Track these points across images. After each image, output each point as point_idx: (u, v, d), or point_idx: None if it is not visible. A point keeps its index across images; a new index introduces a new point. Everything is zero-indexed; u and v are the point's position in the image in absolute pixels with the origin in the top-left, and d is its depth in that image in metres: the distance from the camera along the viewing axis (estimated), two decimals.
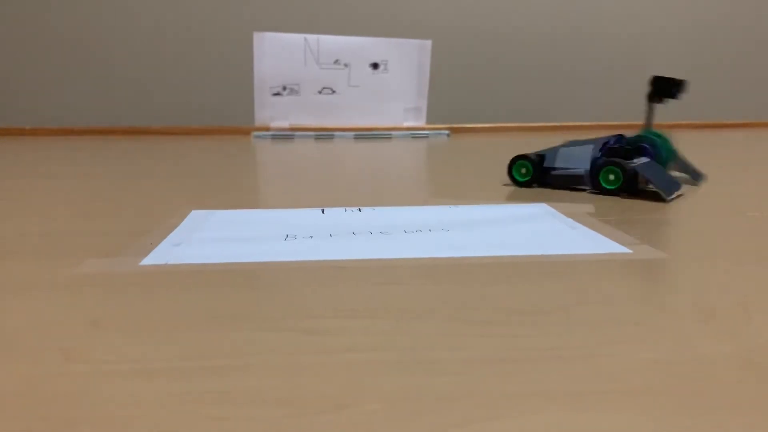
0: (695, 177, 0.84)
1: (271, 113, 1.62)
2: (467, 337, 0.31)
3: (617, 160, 0.72)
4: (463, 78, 1.79)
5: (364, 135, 1.64)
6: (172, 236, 0.52)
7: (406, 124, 1.68)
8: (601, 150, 0.76)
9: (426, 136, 1.66)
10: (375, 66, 1.64)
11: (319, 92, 1.63)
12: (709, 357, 0.28)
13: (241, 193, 0.75)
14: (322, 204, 0.66)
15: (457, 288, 0.38)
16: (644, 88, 1.92)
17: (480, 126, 1.79)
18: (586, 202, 0.67)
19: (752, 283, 0.39)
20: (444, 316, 0.33)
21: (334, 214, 0.61)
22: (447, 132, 1.71)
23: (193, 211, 0.63)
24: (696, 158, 1.09)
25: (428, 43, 1.62)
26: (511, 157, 0.79)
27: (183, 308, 0.35)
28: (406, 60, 1.64)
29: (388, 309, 0.35)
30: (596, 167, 0.73)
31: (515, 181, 0.79)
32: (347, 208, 0.63)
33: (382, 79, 1.65)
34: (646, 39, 1.85)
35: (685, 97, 1.99)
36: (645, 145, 0.78)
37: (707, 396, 0.25)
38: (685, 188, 0.77)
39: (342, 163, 1.04)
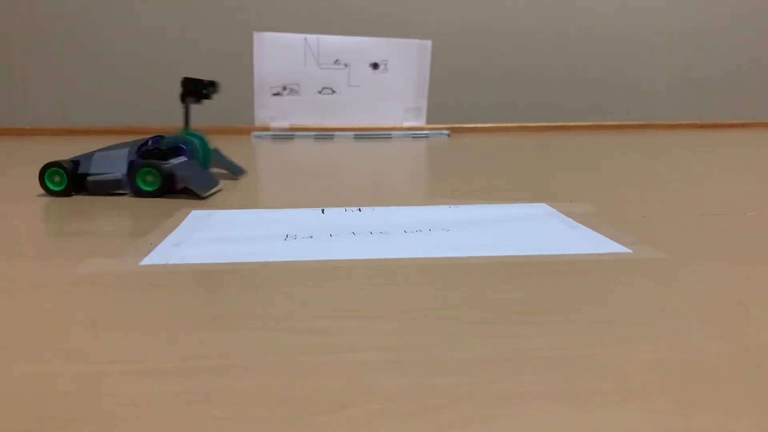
0: (235, 172, 0.90)
1: (271, 113, 1.62)
2: (467, 337, 0.31)
3: (154, 161, 0.72)
4: (463, 78, 1.79)
5: (364, 135, 1.64)
6: (172, 236, 0.52)
7: (406, 124, 1.68)
8: (138, 152, 0.75)
9: (426, 136, 1.66)
10: (375, 66, 1.64)
11: (319, 92, 1.63)
12: (709, 357, 0.28)
13: (241, 193, 0.75)
14: (322, 204, 0.66)
15: (457, 288, 0.38)
16: (645, 89, 1.91)
17: (480, 126, 1.79)
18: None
19: (752, 283, 0.39)
20: (444, 316, 0.33)
21: (334, 214, 0.61)
22: (447, 132, 1.71)
23: (193, 211, 0.63)
24: (696, 158, 1.09)
25: (428, 43, 1.62)
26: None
27: (183, 308, 0.35)
28: (406, 60, 1.64)
29: (388, 309, 0.35)
30: (133, 170, 0.72)
31: (49, 191, 0.72)
32: (347, 208, 0.63)
33: (382, 79, 1.64)
34: (647, 39, 1.85)
35: (685, 97, 1.98)
36: (181, 145, 0.79)
37: (707, 396, 0.25)
38: (225, 183, 0.83)
39: (342, 163, 1.04)
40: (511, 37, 1.80)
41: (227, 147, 1.36)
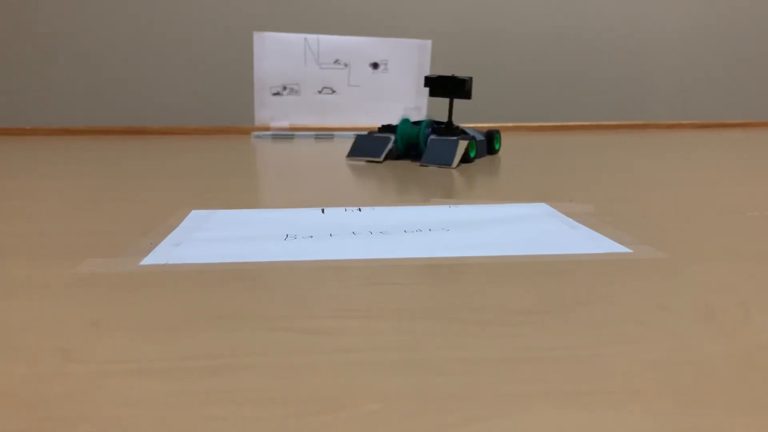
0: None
1: (271, 113, 1.61)
2: (467, 337, 0.31)
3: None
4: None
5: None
6: (172, 236, 0.52)
7: None
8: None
9: None
10: (375, 66, 1.63)
11: (319, 92, 1.63)
12: (709, 357, 0.28)
13: (241, 193, 0.75)
14: (322, 204, 0.66)
15: (457, 288, 0.38)
16: (645, 89, 1.91)
17: (480, 126, 1.79)
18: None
19: (752, 283, 0.39)
20: (444, 316, 0.33)
21: (334, 214, 0.61)
22: None
23: (193, 211, 0.63)
24: (696, 158, 1.09)
25: (428, 43, 1.62)
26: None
27: (183, 308, 0.35)
28: (406, 60, 1.64)
29: (388, 309, 0.35)
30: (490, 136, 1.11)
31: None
32: (347, 208, 0.63)
33: (382, 79, 1.64)
34: (647, 39, 1.84)
35: (685, 97, 1.97)
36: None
37: (707, 396, 0.25)
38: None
39: (342, 163, 1.04)
40: (511, 37, 1.80)
41: (227, 147, 1.36)
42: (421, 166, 0.96)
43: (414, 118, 1.66)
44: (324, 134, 1.61)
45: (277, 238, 0.51)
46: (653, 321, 0.33)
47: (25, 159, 1.12)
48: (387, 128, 1.10)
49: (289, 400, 0.24)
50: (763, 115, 1.94)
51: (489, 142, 1.10)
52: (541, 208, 0.63)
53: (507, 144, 1.40)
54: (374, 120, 1.64)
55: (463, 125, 1.33)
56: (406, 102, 1.66)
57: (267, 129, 1.62)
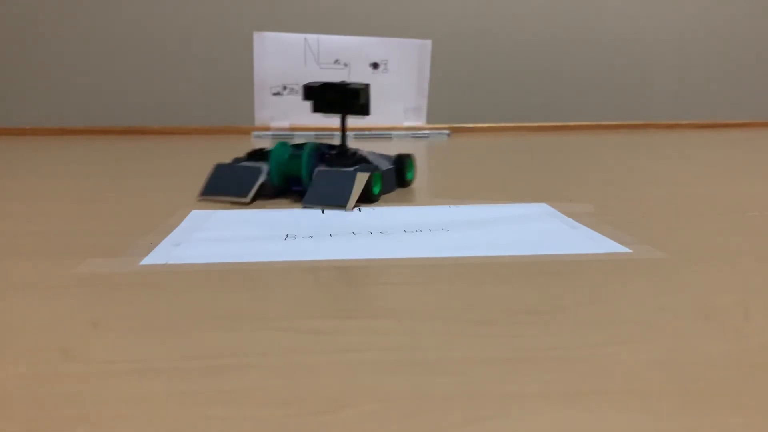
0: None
1: (271, 113, 1.61)
2: (467, 337, 0.31)
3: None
4: (463, 78, 1.79)
5: (364, 135, 1.64)
6: (172, 236, 0.52)
7: (406, 124, 1.68)
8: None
9: (426, 136, 1.66)
10: (375, 66, 1.63)
11: None
12: (709, 357, 0.28)
13: None
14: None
15: (457, 288, 0.38)
16: (645, 89, 1.90)
17: (480, 126, 1.79)
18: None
19: (752, 283, 0.39)
20: (444, 316, 0.33)
21: (334, 214, 0.61)
22: (447, 132, 1.71)
23: (193, 211, 0.63)
24: (696, 158, 1.09)
25: (428, 42, 1.62)
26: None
27: (183, 308, 0.35)
28: (406, 60, 1.63)
29: (388, 309, 0.35)
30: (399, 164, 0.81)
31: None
32: None
33: (382, 79, 1.64)
34: (646, 39, 1.84)
35: (685, 97, 1.97)
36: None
37: (707, 396, 0.25)
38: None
39: None
40: (511, 37, 1.80)
41: (227, 147, 1.36)
42: (305, 207, 0.66)
43: (412, 120, 1.66)
44: (324, 134, 1.61)
45: (277, 238, 0.51)
46: (653, 321, 0.33)
47: (25, 159, 1.12)
48: (258, 154, 0.77)
49: (289, 400, 0.24)
50: (763, 115, 1.94)
51: (399, 172, 0.80)
52: (541, 208, 0.63)
53: (507, 144, 1.40)
54: (374, 120, 1.64)
55: (390, 139, 1.00)
56: (406, 102, 1.66)
57: (267, 129, 1.63)
